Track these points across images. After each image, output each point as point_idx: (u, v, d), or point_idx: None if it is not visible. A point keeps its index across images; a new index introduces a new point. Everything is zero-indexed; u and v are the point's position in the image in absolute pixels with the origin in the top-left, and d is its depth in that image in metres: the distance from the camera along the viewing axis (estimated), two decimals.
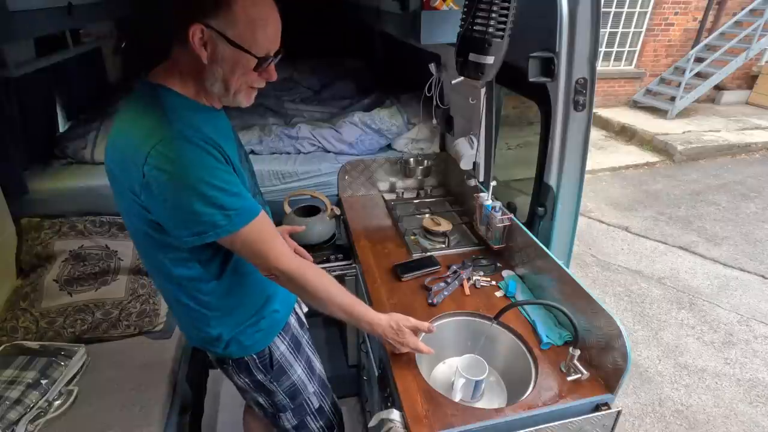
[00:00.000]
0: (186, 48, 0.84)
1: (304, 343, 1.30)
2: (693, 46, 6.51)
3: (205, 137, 0.85)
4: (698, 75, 6.32)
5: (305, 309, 1.41)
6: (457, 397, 1.16)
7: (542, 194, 1.45)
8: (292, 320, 1.26)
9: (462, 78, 1.24)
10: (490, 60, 1.10)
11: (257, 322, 1.11)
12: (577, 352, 1.09)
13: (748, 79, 7.10)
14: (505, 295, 1.41)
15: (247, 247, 0.92)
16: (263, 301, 1.12)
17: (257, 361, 1.14)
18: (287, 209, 1.91)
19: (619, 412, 1.05)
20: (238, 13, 0.82)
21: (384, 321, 1.08)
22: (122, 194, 0.89)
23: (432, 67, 1.87)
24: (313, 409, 1.30)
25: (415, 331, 1.13)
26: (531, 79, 1.27)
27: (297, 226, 1.42)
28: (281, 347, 1.18)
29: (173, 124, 0.83)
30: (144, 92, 0.90)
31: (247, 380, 1.18)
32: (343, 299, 1.03)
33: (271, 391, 1.21)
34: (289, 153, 2.39)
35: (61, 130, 2.44)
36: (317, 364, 1.33)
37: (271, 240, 0.94)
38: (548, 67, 1.25)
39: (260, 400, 1.24)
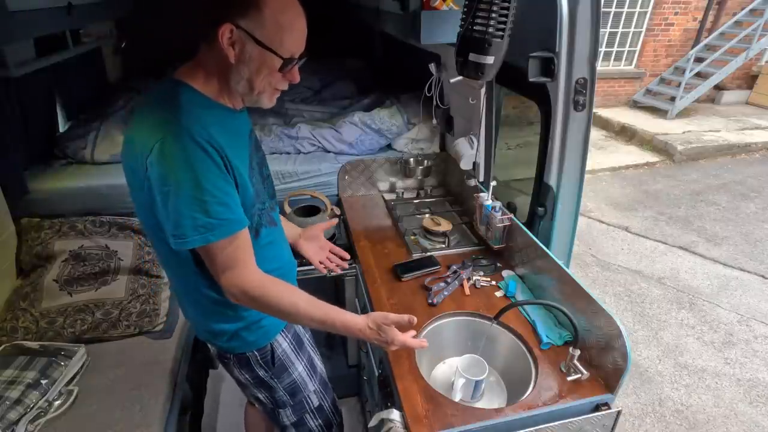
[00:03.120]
0: (213, 47, 0.87)
1: (306, 341, 1.30)
2: (693, 46, 6.51)
3: (210, 138, 0.85)
4: (698, 75, 6.33)
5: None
6: (457, 397, 1.16)
7: (542, 194, 1.45)
8: None
9: (460, 77, 1.24)
10: (490, 60, 1.10)
11: (260, 320, 1.11)
12: (577, 352, 1.09)
13: (748, 79, 7.10)
14: (505, 295, 1.41)
15: (217, 260, 0.91)
16: None
17: (258, 357, 1.15)
18: (287, 209, 1.91)
19: (619, 412, 1.05)
20: (267, 15, 0.85)
21: (361, 322, 1.02)
22: (135, 187, 0.91)
23: (432, 67, 1.87)
24: (312, 407, 1.30)
25: (400, 328, 1.08)
26: (531, 79, 1.27)
27: (331, 221, 1.44)
28: (283, 344, 1.19)
29: (182, 120, 0.84)
30: (165, 87, 0.91)
31: (247, 376, 1.19)
32: (311, 310, 0.99)
33: (271, 387, 1.21)
34: (289, 153, 2.38)
35: (61, 130, 2.44)
36: (319, 363, 1.34)
37: (243, 260, 0.93)
38: (548, 67, 1.25)
39: (260, 395, 1.24)
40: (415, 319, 1.08)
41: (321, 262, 1.37)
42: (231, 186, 0.90)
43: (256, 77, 0.90)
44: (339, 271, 1.41)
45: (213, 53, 0.88)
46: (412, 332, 1.09)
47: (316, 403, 1.30)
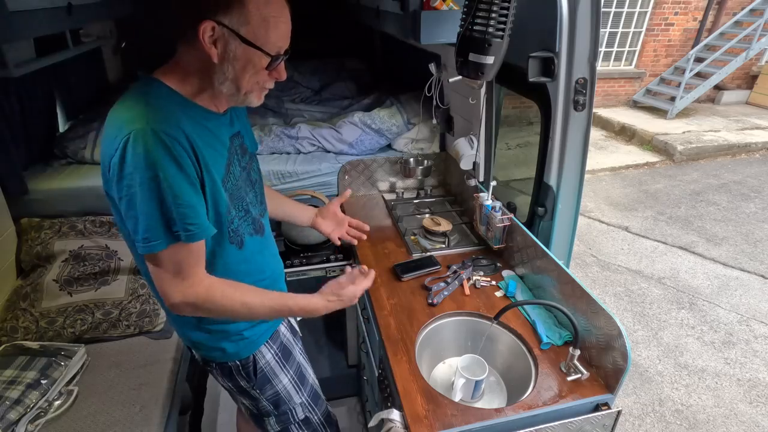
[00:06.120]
0: (194, 47, 0.81)
1: (297, 352, 1.25)
2: (693, 46, 6.51)
3: (182, 137, 0.81)
4: (698, 75, 6.33)
5: (298, 317, 1.39)
6: (457, 397, 1.16)
7: (542, 194, 1.45)
8: (282, 328, 1.22)
9: (460, 77, 1.24)
10: (490, 60, 1.10)
11: (241, 331, 1.08)
12: (577, 352, 1.09)
13: (748, 79, 7.10)
14: (505, 295, 1.41)
15: (163, 266, 0.86)
16: None
17: (240, 368, 1.12)
18: None
19: (619, 412, 1.05)
20: (251, 10, 0.80)
21: (320, 302, 1.02)
22: (107, 191, 0.86)
23: (432, 67, 1.87)
24: (297, 419, 1.25)
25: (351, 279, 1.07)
26: (531, 79, 1.27)
27: (345, 193, 1.39)
28: (267, 356, 1.15)
29: (148, 118, 0.79)
30: (138, 85, 0.87)
31: (230, 384, 1.16)
32: (265, 303, 0.97)
33: (254, 397, 1.18)
34: (289, 153, 2.39)
35: (61, 130, 2.44)
36: (310, 375, 1.29)
37: (192, 269, 0.88)
38: (548, 67, 1.25)
39: (245, 402, 1.22)
40: (365, 267, 1.11)
41: (340, 238, 1.38)
42: (196, 191, 0.84)
43: (242, 77, 0.85)
44: (355, 243, 1.41)
45: (194, 52, 0.82)
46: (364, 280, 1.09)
47: (301, 415, 1.26)
